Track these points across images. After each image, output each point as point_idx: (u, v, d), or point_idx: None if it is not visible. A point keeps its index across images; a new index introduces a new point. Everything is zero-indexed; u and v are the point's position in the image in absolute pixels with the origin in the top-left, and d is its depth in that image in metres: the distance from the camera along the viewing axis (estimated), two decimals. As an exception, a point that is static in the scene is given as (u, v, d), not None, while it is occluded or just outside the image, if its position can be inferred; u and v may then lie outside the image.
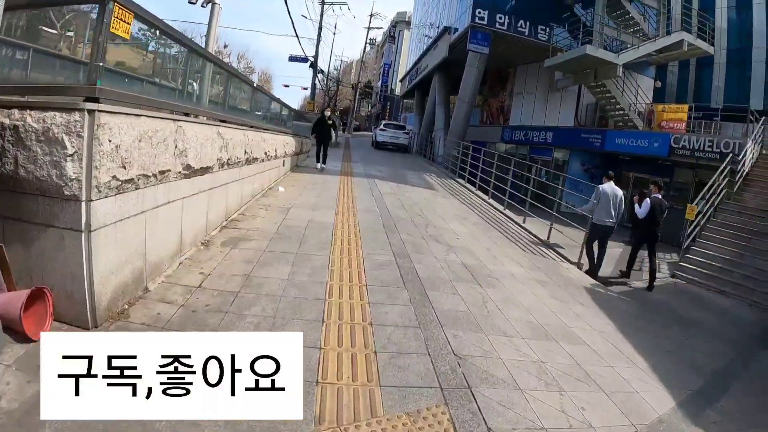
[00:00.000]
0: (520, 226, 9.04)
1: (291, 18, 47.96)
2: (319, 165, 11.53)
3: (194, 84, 4.72)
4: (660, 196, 7.33)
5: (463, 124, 18.02)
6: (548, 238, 8.20)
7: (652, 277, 7.27)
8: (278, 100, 11.51)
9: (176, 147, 3.78)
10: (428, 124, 23.85)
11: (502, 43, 17.30)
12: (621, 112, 16.15)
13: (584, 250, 7.32)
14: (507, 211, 10.03)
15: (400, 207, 8.32)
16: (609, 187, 7.40)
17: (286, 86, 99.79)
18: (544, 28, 16.79)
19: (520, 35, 16.73)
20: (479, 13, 16.47)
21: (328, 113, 12.06)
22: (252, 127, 6.73)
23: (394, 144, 23.58)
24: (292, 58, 32.18)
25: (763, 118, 12.30)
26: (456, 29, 19.13)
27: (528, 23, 16.67)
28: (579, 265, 7.23)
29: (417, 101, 31.35)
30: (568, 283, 6.08)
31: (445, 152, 17.87)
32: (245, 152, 5.92)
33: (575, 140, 16.95)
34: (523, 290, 5.15)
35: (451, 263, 5.39)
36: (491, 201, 11.01)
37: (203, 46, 10.18)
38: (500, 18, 16.60)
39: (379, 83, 55.74)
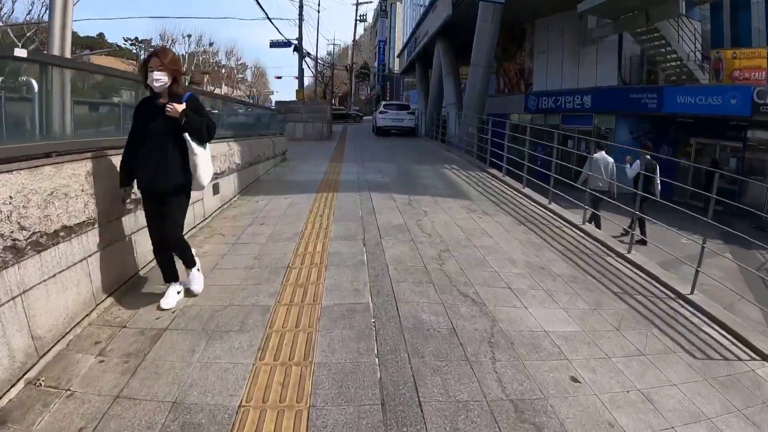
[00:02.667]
0: (631, 263, 4.83)
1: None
2: (164, 301, 3.08)
3: None
4: (649, 157, 7.88)
5: (481, 93, 14.58)
6: (692, 290, 4.08)
7: (642, 230, 7.49)
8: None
9: None
10: (435, 100, 20.35)
11: (517, -9, 13.91)
12: (677, 63, 12.78)
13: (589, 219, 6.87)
14: (586, 226, 6.06)
15: (421, 276, 3.85)
16: (600, 155, 7.87)
17: (279, 78, 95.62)
18: (571, -36, 13.31)
19: (541, -24, 13.31)
20: (488, -48, 13.06)
21: (160, 78, 2.79)
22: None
23: (398, 128, 20.05)
24: (274, 44, 28.76)
25: None
26: (459, -20, 15.71)
27: (551, -40, 13.22)
28: None
29: (419, 76, 27.66)
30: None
31: (462, 131, 14.58)
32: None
33: (622, 103, 13.64)
34: None
35: None
36: (554, 207, 6.97)
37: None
38: (515, -44, 13.17)
39: (376, 63, 51.96)
